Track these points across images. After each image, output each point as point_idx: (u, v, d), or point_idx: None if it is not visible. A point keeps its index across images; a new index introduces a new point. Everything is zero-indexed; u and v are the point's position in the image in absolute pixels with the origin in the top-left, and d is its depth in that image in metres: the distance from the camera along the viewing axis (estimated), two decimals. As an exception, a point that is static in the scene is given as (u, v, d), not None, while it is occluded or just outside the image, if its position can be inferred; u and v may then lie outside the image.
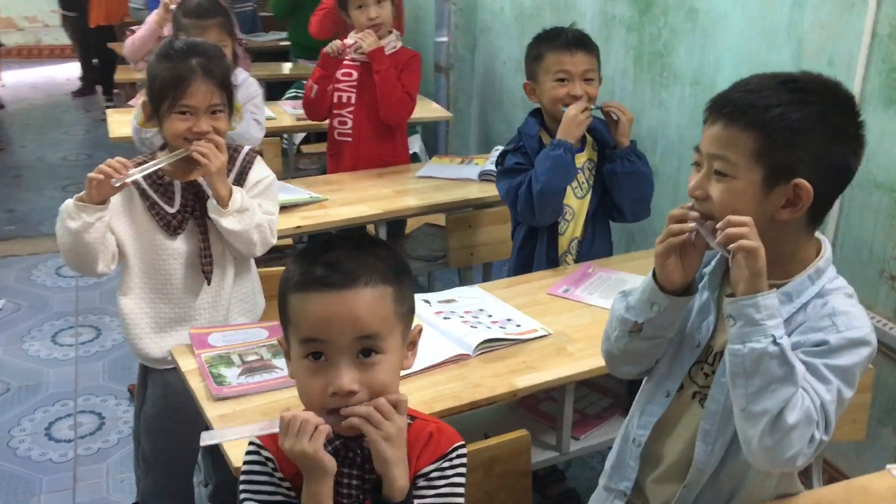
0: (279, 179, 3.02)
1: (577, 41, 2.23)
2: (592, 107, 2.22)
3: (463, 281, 2.96)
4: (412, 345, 1.17)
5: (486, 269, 2.96)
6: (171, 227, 1.89)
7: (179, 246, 1.91)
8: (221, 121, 1.86)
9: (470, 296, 2.07)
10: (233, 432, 1.13)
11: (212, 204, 1.86)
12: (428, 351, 1.79)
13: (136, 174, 1.77)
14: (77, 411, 2.86)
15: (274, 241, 1.98)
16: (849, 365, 1.18)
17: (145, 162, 1.83)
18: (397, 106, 2.90)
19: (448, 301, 2.02)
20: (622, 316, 1.34)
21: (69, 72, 8.01)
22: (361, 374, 1.06)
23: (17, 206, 4.66)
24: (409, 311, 1.15)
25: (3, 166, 5.33)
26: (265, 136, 3.32)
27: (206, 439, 1.10)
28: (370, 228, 2.80)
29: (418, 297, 2.03)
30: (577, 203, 2.31)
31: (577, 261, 2.32)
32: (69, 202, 1.77)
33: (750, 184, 1.19)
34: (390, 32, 2.96)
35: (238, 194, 1.88)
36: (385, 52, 2.89)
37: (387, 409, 1.05)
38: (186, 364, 1.76)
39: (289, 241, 2.95)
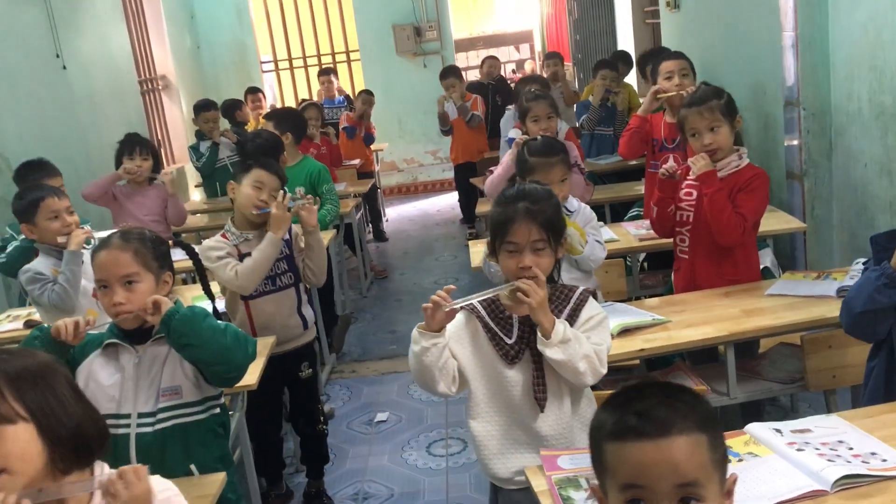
0: (623, 300, 3.13)
1: None
2: None
3: (829, 405, 2.75)
4: (728, 494, 1.17)
5: (855, 392, 2.71)
6: (509, 357, 2.05)
7: (516, 374, 2.05)
8: (544, 257, 2.02)
9: (827, 426, 1.93)
10: None
11: (538, 335, 1.98)
12: (779, 484, 1.71)
13: (460, 303, 1.98)
14: (448, 519, 3.14)
15: (604, 371, 2.01)
16: None
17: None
18: (726, 227, 2.87)
19: (802, 431, 1.91)
20: None
21: (439, 204, 9.07)
22: None
23: (398, 328, 5.33)
24: (723, 458, 1.16)
25: (387, 292, 6.17)
26: (609, 258, 3.47)
27: None
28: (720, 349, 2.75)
29: (769, 426, 1.96)
30: None
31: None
32: (415, 329, 2.03)
33: None
34: (735, 151, 2.95)
35: (561, 326, 1.96)
36: (720, 173, 2.90)
37: None
38: (539, 484, 1.88)
39: (636, 363, 3.00)
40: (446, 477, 3.43)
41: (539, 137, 3.35)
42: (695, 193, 3.00)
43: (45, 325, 2.28)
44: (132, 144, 4.60)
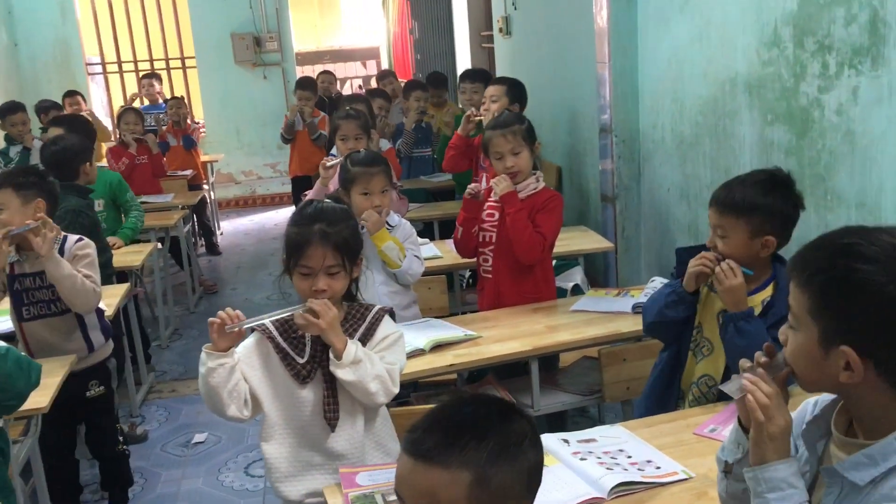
0: (445, 317, 3.19)
1: (716, 197, 2.15)
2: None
3: (626, 415, 2.91)
4: None
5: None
6: (301, 377, 2.02)
7: (308, 394, 2.03)
8: (338, 280, 1.99)
9: (611, 435, 2.05)
10: None
11: (330, 356, 1.97)
12: (561, 492, 1.80)
13: (246, 324, 1.93)
14: (261, 541, 3.06)
15: (396, 390, 2.02)
16: None
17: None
18: (528, 246, 3.00)
19: (588, 441, 2.02)
20: (717, 455, 1.35)
21: (276, 217, 8.91)
22: None
23: (224, 344, 5.16)
24: (496, 498, 1.09)
25: (216, 307, 5.82)
26: (433, 275, 3.54)
27: None
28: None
29: (558, 437, 2.05)
30: (720, 342, 2.21)
31: (708, 400, 2.24)
32: (202, 350, 1.95)
33: (807, 339, 1.18)
34: (532, 174, 3.10)
35: (353, 347, 1.96)
36: (520, 195, 3.04)
37: None
38: (334, 503, 1.88)
39: (453, 377, 3.06)
40: (263, 498, 3.35)
41: (362, 151, 3.38)
42: (497, 214, 3.12)
43: None
44: None
